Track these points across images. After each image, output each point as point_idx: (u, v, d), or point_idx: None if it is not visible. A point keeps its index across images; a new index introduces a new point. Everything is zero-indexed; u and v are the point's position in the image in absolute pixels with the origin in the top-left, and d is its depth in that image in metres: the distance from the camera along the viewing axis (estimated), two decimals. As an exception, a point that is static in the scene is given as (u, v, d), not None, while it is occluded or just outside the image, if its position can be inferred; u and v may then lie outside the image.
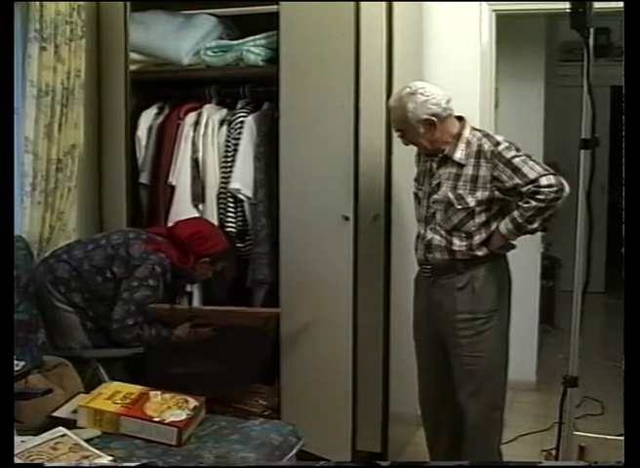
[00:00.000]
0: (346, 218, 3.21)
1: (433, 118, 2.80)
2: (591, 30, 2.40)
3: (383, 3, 3.21)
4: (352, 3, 3.13)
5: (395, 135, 2.98)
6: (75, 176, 3.40)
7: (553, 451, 2.86)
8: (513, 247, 2.94)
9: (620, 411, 1.75)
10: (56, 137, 3.23)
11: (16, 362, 2.43)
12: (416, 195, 3.03)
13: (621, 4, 2.03)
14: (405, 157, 3.22)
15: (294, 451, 2.61)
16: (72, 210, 3.40)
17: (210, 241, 3.18)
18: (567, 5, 2.41)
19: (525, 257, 3.47)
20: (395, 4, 3.25)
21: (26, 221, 3.16)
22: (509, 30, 4.06)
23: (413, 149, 3.09)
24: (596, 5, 2.38)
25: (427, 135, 2.83)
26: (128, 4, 3.45)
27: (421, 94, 2.80)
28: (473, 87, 3.80)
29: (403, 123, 2.84)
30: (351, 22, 3.13)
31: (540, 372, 4.61)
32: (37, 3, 3.09)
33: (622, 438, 1.72)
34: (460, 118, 2.90)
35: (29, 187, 3.14)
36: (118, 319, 2.97)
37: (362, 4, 3.14)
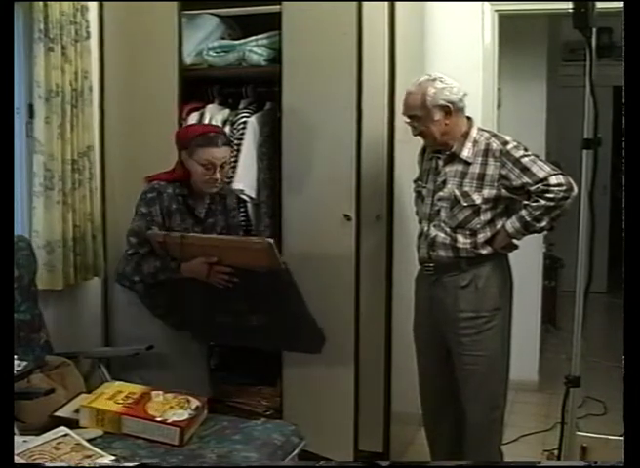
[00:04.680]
0: (349, 218, 3.21)
1: (450, 105, 2.82)
2: (594, 30, 2.40)
3: (386, 3, 3.22)
4: (355, 3, 3.13)
5: (405, 121, 2.94)
6: (96, 178, 3.49)
7: (555, 452, 2.86)
8: (516, 247, 2.95)
9: (622, 412, 1.75)
10: (69, 138, 3.25)
11: (18, 361, 2.44)
12: (419, 193, 3.03)
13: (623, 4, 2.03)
14: (407, 157, 3.22)
15: (296, 451, 2.62)
16: (97, 210, 3.50)
17: (184, 129, 3.15)
18: (569, 5, 2.41)
19: (527, 257, 3.48)
20: (397, 4, 3.24)
21: (39, 221, 3.18)
22: (512, 30, 4.07)
23: (415, 148, 3.10)
24: (598, 5, 2.38)
25: (441, 123, 2.84)
26: (177, 4, 3.46)
27: (441, 81, 2.85)
28: (476, 87, 3.80)
29: (419, 108, 2.84)
30: (354, 22, 3.13)
31: (542, 373, 4.61)
32: (40, 3, 3.09)
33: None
34: (468, 118, 2.93)
35: (39, 187, 3.16)
36: (123, 254, 2.97)
37: (364, 4, 3.14)
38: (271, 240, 2.75)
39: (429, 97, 2.82)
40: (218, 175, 2.95)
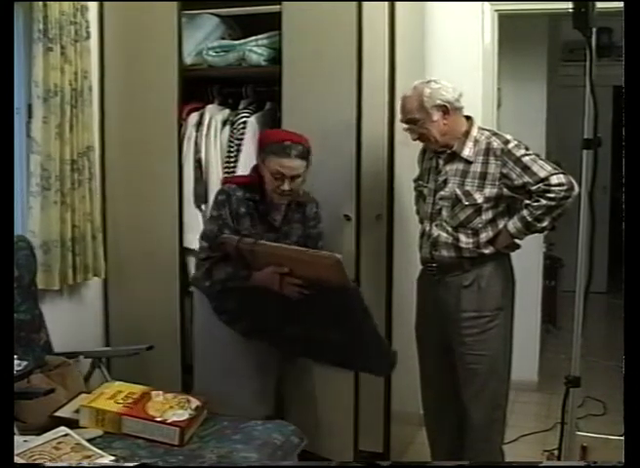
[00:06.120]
0: (349, 218, 3.21)
1: (447, 104, 2.83)
2: (594, 30, 2.40)
3: (386, 3, 3.21)
4: (355, 3, 3.13)
5: (404, 128, 2.94)
6: (96, 178, 3.48)
7: (555, 452, 2.86)
8: (518, 246, 2.95)
9: (622, 412, 1.75)
10: (67, 138, 3.25)
11: (18, 361, 2.44)
12: (420, 192, 3.02)
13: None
14: (407, 156, 3.22)
15: (296, 451, 2.62)
16: (97, 210, 3.49)
17: (267, 132, 2.97)
18: (569, 5, 2.41)
19: (527, 257, 3.47)
20: (397, 4, 3.24)
21: (35, 221, 3.17)
22: (512, 30, 4.06)
23: (415, 149, 3.10)
24: (598, 5, 2.39)
25: (439, 123, 2.84)
26: (177, 4, 3.45)
27: (436, 82, 2.86)
28: (476, 87, 3.80)
29: (417, 110, 2.84)
30: (354, 22, 3.14)
31: (542, 373, 4.61)
32: (40, 3, 3.09)
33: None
34: (467, 117, 2.93)
35: (36, 187, 3.15)
36: (196, 258, 2.91)
37: (364, 4, 3.14)
38: (339, 256, 2.63)
39: (426, 98, 2.82)
40: (286, 187, 2.81)
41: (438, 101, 2.82)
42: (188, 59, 3.56)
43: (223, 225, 2.84)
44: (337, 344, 2.78)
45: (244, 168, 3.40)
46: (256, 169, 2.92)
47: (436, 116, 2.83)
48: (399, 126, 3.14)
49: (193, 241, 3.50)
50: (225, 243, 2.77)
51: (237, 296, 2.87)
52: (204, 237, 2.91)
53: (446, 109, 2.83)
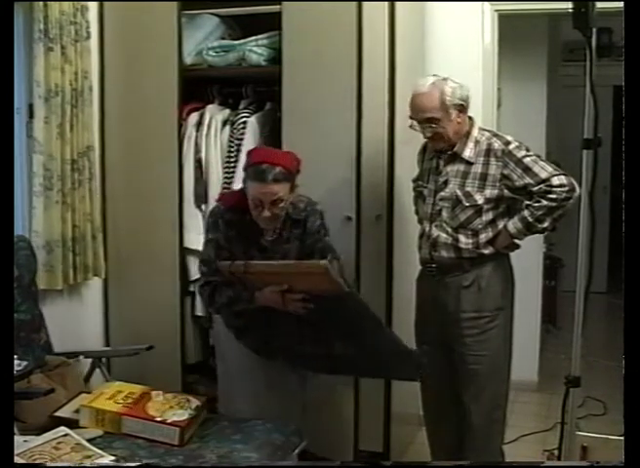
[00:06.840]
0: (349, 219, 3.21)
1: (464, 103, 2.82)
2: (594, 30, 2.40)
3: (386, 3, 3.21)
4: (355, 3, 3.14)
5: (414, 125, 2.87)
6: (96, 178, 3.49)
7: (555, 452, 2.86)
8: (518, 246, 2.95)
9: (622, 412, 1.75)
10: (68, 138, 3.25)
11: (18, 361, 2.44)
12: (420, 193, 3.02)
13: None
14: (407, 156, 3.22)
15: (296, 451, 2.62)
16: (97, 210, 3.49)
17: (252, 151, 2.82)
18: (569, 5, 2.41)
19: (527, 257, 3.48)
20: (397, 4, 3.24)
21: (38, 221, 3.17)
22: (512, 30, 4.06)
23: (415, 149, 3.10)
24: (598, 5, 2.38)
25: (455, 122, 2.82)
26: (177, 4, 3.46)
27: (452, 81, 2.83)
28: (475, 87, 3.77)
29: (438, 109, 2.80)
30: (354, 22, 3.14)
31: (542, 372, 4.61)
32: (40, 3, 3.10)
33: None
34: (469, 118, 2.92)
35: (39, 187, 3.15)
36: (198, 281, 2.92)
37: (364, 4, 3.15)
38: (325, 262, 2.52)
39: (448, 97, 2.79)
40: (267, 214, 2.66)
41: (457, 100, 2.81)
42: (188, 59, 3.56)
43: (219, 248, 2.76)
44: (350, 356, 2.73)
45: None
46: (242, 189, 2.81)
47: (454, 115, 2.82)
48: (399, 126, 3.14)
49: (193, 241, 3.51)
50: (222, 270, 2.69)
51: (244, 315, 2.81)
52: (202, 262, 2.84)
53: (462, 108, 2.83)
